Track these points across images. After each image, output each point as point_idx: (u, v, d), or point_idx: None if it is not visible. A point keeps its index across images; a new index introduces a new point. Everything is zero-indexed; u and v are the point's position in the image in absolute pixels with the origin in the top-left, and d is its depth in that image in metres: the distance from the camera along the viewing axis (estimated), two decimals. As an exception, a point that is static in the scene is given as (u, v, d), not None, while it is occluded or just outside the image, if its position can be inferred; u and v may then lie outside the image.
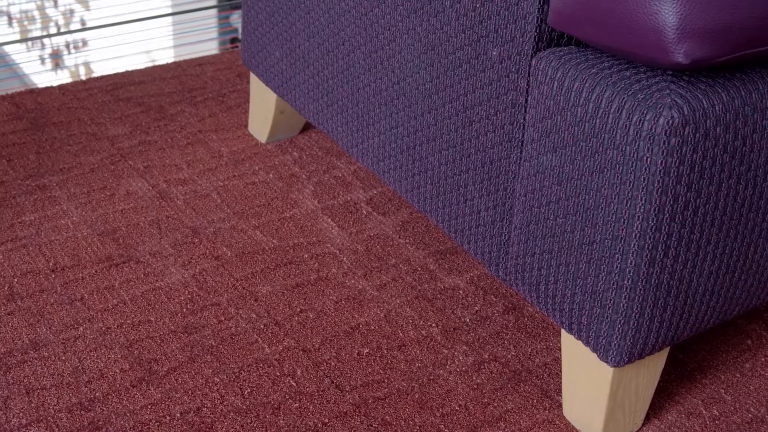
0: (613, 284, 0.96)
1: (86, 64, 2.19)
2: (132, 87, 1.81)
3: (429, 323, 1.27)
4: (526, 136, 1.01)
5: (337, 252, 1.39)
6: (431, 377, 1.18)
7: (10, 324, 1.22)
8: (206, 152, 1.62)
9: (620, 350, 1.00)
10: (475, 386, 1.17)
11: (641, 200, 0.90)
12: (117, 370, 1.16)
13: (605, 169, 0.92)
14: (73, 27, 2.36)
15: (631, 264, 0.94)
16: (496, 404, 1.15)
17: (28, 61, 2.17)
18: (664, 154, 0.87)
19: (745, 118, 0.91)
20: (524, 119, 1.02)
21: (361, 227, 1.44)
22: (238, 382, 1.16)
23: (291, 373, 1.18)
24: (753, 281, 1.05)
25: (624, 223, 0.92)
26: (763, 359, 1.23)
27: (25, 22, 2.39)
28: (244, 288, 1.31)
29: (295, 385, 1.16)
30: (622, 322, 0.97)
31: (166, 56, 2.18)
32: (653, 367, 1.08)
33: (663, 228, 0.92)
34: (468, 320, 1.28)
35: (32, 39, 2.28)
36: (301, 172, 1.57)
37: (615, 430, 1.09)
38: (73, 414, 1.10)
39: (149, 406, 1.12)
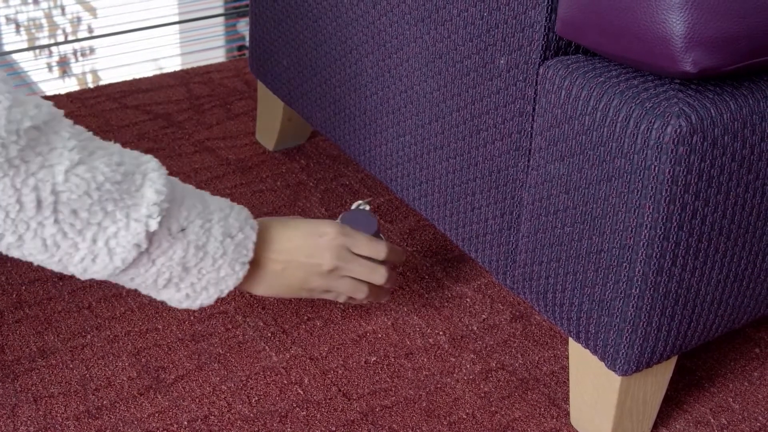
0: (620, 293, 0.96)
1: (93, 72, 2.19)
2: (139, 95, 1.82)
3: (436, 331, 1.27)
4: (533, 144, 1.01)
5: (345, 260, 1.39)
6: (438, 385, 1.18)
7: (17, 332, 1.23)
8: (214, 160, 1.62)
9: (628, 359, 0.99)
10: (482, 394, 1.17)
11: (649, 209, 0.90)
12: (124, 378, 1.17)
13: (613, 178, 0.92)
14: (80, 35, 2.36)
15: (638, 272, 0.94)
16: (503, 413, 1.15)
17: (36, 69, 2.18)
18: (672, 162, 0.87)
19: (753, 126, 0.91)
20: (532, 128, 1.02)
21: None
22: (245, 390, 1.16)
23: (298, 381, 1.18)
24: (761, 290, 1.05)
25: (632, 231, 0.92)
26: (771, 368, 1.23)
27: (33, 30, 2.40)
28: (251, 296, 1.31)
29: (302, 393, 1.16)
30: (630, 330, 0.97)
31: (173, 64, 2.19)
32: (661, 375, 1.07)
33: (671, 236, 0.92)
34: (475, 328, 1.27)
35: (40, 47, 2.29)
36: (309, 180, 1.58)
37: (623, 439, 1.09)
38: (81, 422, 1.10)
39: (157, 414, 1.12)
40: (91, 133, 0.97)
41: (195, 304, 1.06)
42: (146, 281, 1.02)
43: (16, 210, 0.90)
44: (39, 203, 0.90)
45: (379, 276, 1.16)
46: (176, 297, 1.05)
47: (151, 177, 0.98)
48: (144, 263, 0.99)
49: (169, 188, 0.99)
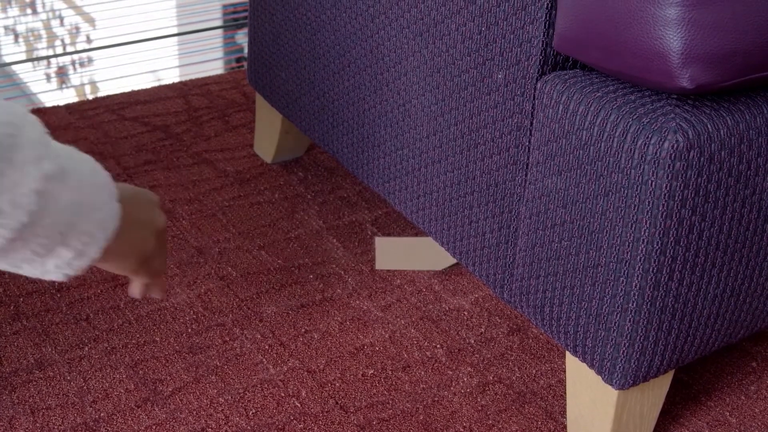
0: (617, 307, 0.96)
1: (92, 83, 2.20)
2: (138, 106, 1.82)
3: (434, 344, 1.27)
4: (531, 158, 1.02)
5: (342, 272, 1.39)
6: (436, 399, 1.18)
7: (15, 343, 1.23)
8: (212, 172, 1.62)
9: (625, 373, 1.00)
10: (479, 408, 1.17)
11: (646, 223, 0.90)
12: (122, 390, 1.17)
13: (610, 193, 0.92)
14: (78, 43, 2.37)
15: (635, 287, 0.94)
16: (500, 426, 1.15)
17: (34, 81, 2.18)
18: (669, 177, 0.88)
19: (750, 141, 0.91)
20: (529, 142, 1.02)
21: (366, 248, 1.45)
22: (242, 403, 1.16)
23: (295, 393, 1.18)
24: (758, 304, 1.05)
25: (629, 246, 0.92)
26: None
27: (32, 40, 2.40)
28: (248, 308, 1.31)
29: (299, 405, 1.16)
30: (627, 344, 0.98)
31: (171, 76, 2.19)
32: (658, 389, 1.08)
33: (668, 251, 0.92)
34: (473, 342, 1.28)
35: (38, 59, 2.29)
36: (307, 192, 1.58)
37: (620, 453, 1.09)
38: (78, 434, 1.10)
39: (154, 427, 1.12)
40: None
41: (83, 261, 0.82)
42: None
43: None
44: None
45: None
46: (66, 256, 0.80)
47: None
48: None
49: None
